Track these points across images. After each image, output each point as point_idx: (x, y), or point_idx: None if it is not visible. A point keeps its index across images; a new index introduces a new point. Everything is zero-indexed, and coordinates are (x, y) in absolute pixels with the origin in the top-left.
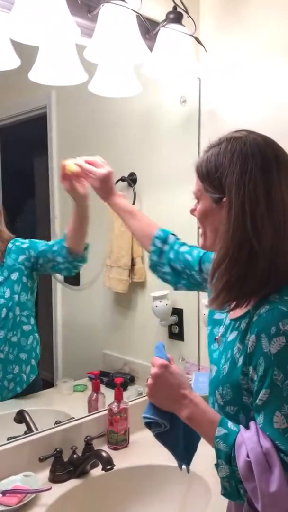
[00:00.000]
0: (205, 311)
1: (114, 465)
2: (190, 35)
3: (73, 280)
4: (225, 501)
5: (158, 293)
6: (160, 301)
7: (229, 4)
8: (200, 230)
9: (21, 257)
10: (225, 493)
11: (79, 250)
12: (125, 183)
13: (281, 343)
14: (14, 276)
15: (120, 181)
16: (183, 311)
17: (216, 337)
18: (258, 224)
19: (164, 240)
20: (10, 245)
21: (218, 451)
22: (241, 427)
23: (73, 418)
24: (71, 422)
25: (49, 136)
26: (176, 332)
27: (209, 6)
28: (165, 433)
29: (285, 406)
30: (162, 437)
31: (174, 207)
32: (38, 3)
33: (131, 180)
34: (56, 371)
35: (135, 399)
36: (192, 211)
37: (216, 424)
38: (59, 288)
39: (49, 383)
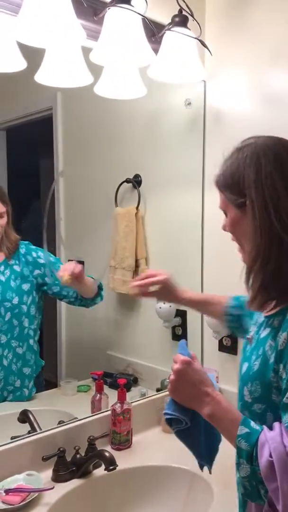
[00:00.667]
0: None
1: (117, 466)
2: (195, 38)
3: None
4: (227, 503)
5: None
6: (164, 303)
7: (234, 7)
8: (237, 246)
9: (36, 272)
10: (245, 493)
11: (91, 296)
12: (130, 184)
13: None
14: (26, 286)
15: (125, 183)
16: (186, 312)
17: (248, 336)
18: (284, 217)
19: (239, 307)
20: (21, 249)
21: (239, 450)
22: (265, 427)
23: (76, 418)
24: (74, 422)
25: (55, 138)
26: (179, 334)
27: (214, 9)
28: (185, 431)
29: None
30: (182, 435)
31: (179, 209)
32: (44, 6)
33: (136, 182)
34: (60, 371)
35: (138, 400)
36: (224, 227)
37: (238, 422)
38: None
39: (53, 384)
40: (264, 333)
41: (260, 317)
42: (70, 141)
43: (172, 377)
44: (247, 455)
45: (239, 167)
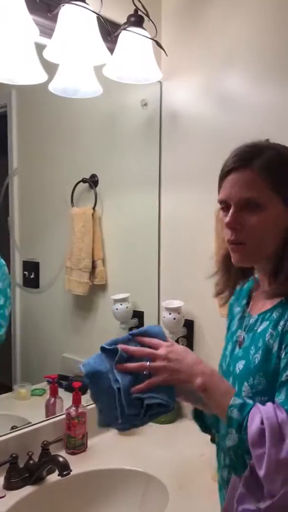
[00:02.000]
0: (165, 314)
1: (71, 470)
2: (150, 38)
3: (32, 282)
4: (181, 503)
5: (119, 296)
6: (121, 304)
7: (189, 10)
8: (250, 243)
9: None
10: (231, 464)
11: None
12: (87, 184)
13: None
14: None
15: (81, 183)
16: (143, 313)
17: (239, 338)
18: None
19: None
20: None
21: (230, 420)
22: (257, 403)
23: (30, 423)
24: (27, 427)
25: (9, 135)
26: None
27: (170, 10)
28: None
29: None
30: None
31: (136, 209)
32: None
33: (93, 181)
34: (14, 375)
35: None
36: (237, 223)
37: (231, 394)
38: (17, 290)
39: (6, 387)
40: (261, 327)
41: (249, 318)
42: (25, 139)
43: (163, 362)
44: (238, 424)
45: (285, 164)
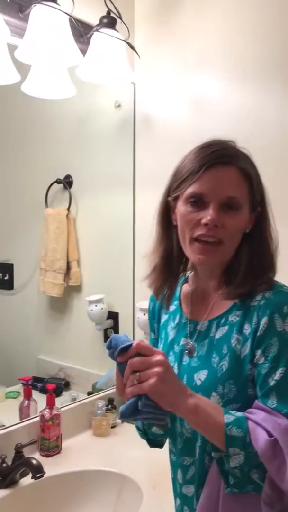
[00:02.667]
0: (139, 315)
1: (44, 473)
2: (123, 40)
3: (6, 284)
4: (155, 502)
5: (94, 297)
6: (96, 305)
7: (162, 13)
8: (227, 243)
9: None
10: (234, 483)
11: None
12: (61, 185)
13: None
14: None
15: (55, 183)
16: (118, 314)
17: (189, 346)
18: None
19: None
20: None
21: (231, 439)
22: (245, 413)
23: (4, 426)
24: (0, 430)
25: None
26: None
27: (143, 12)
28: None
29: None
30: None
31: (111, 210)
32: None
33: (67, 182)
34: None
35: (68, 405)
36: (216, 221)
37: (221, 411)
38: None
39: None
40: (219, 333)
41: (195, 324)
42: None
43: (158, 369)
44: (242, 441)
45: (259, 176)
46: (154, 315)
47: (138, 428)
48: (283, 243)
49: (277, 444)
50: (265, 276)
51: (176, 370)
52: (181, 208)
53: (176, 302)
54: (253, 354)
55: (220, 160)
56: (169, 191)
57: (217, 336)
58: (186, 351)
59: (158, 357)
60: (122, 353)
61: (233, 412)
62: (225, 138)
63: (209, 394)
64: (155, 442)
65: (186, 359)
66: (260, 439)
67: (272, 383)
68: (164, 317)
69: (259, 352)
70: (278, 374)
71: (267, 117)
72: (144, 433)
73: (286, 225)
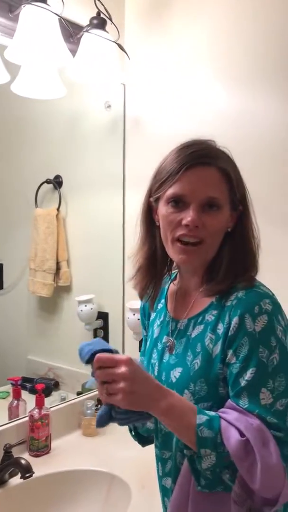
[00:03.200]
0: (129, 315)
1: (33, 473)
2: (113, 41)
3: None
4: (144, 501)
5: (83, 297)
6: (85, 305)
7: (153, 12)
8: (208, 243)
9: None
10: (206, 484)
11: None
12: (51, 185)
13: (264, 321)
14: None
15: (45, 183)
16: (108, 315)
17: (169, 344)
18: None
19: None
20: None
21: (202, 440)
22: (218, 412)
23: None
24: None
25: None
26: (101, 336)
27: (133, 14)
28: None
29: (270, 381)
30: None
31: (101, 210)
32: None
33: (57, 182)
34: None
35: (57, 405)
36: (196, 222)
37: (194, 411)
38: None
39: None
40: (195, 331)
41: (176, 323)
42: None
43: (122, 385)
44: (212, 442)
45: (240, 175)
46: (145, 312)
47: (130, 429)
48: (271, 242)
49: (249, 444)
50: (246, 274)
51: (157, 367)
52: (162, 209)
53: (162, 301)
54: (224, 353)
55: (199, 160)
56: (150, 192)
57: (193, 335)
58: (167, 348)
59: (122, 369)
60: (89, 362)
61: (207, 412)
62: (205, 138)
63: (182, 392)
64: (147, 439)
65: (166, 356)
66: (232, 438)
67: (243, 383)
68: (152, 315)
69: (230, 352)
70: (248, 374)
71: (258, 118)
72: (136, 433)
73: (274, 224)
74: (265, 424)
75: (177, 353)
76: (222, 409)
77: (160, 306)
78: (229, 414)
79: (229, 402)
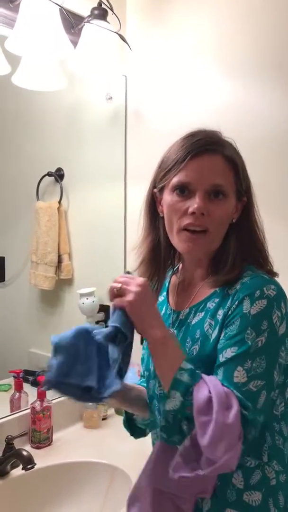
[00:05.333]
0: (83, 301)
1: (35, 464)
2: (114, 32)
3: None
4: None
5: (85, 290)
6: (87, 298)
7: (154, 3)
8: (214, 231)
9: None
10: (165, 426)
11: None
12: (52, 178)
13: (262, 305)
14: None
15: (46, 176)
16: (109, 307)
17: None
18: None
19: None
20: None
21: (177, 382)
22: (203, 374)
23: None
24: None
25: None
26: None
27: (135, 4)
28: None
29: (248, 362)
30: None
31: (102, 203)
32: None
33: (58, 175)
34: None
35: (59, 397)
36: (202, 209)
37: (183, 358)
38: None
39: None
40: (196, 319)
41: (177, 314)
42: None
43: (135, 288)
44: (185, 388)
45: (243, 163)
46: None
47: (124, 422)
48: (271, 236)
49: (211, 402)
50: (256, 267)
51: None
52: (167, 198)
53: (164, 293)
54: (220, 334)
55: (205, 148)
56: (155, 182)
57: (193, 322)
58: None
59: (139, 280)
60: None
61: (193, 366)
62: (210, 128)
63: None
64: (141, 431)
65: None
66: (201, 393)
67: (222, 359)
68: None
69: (223, 330)
70: (229, 352)
71: (260, 110)
72: (130, 424)
73: (275, 218)
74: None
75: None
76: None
77: (161, 298)
78: (211, 378)
79: None
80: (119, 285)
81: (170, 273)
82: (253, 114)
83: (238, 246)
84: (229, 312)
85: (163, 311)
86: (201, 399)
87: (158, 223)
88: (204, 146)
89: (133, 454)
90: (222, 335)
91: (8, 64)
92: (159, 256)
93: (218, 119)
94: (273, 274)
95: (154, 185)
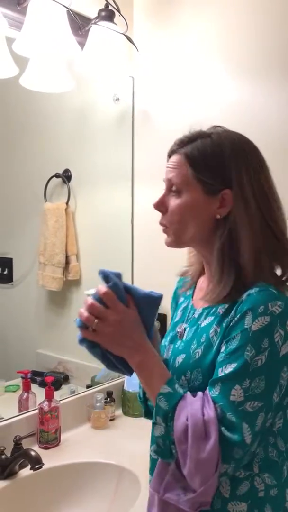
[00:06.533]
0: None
1: (43, 464)
2: (121, 33)
3: (5, 278)
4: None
5: (92, 290)
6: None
7: (162, 4)
8: (171, 226)
9: None
10: (157, 450)
11: None
12: (60, 179)
13: (264, 322)
14: None
15: (54, 177)
16: None
17: (180, 330)
18: (271, 213)
19: None
20: None
21: (158, 408)
22: (188, 392)
23: (2, 418)
24: None
25: None
26: None
27: (142, 5)
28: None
29: (247, 381)
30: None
31: (109, 204)
32: None
33: (66, 176)
34: None
35: (67, 398)
36: (161, 204)
37: (164, 379)
38: None
39: None
40: (205, 321)
41: (193, 311)
42: None
43: (107, 328)
44: (164, 414)
45: (223, 154)
46: (175, 296)
47: (139, 397)
48: None
49: (187, 431)
50: (268, 273)
51: (170, 351)
52: None
53: (192, 287)
54: (221, 344)
55: (172, 149)
56: None
57: (202, 325)
58: (178, 334)
59: (113, 317)
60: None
61: (176, 386)
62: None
63: (180, 377)
64: (149, 412)
65: (178, 342)
66: (179, 419)
67: (221, 374)
68: (181, 299)
69: (224, 342)
70: (229, 368)
71: (268, 110)
72: (144, 402)
73: None
74: (223, 420)
75: (185, 340)
76: (196, 393)
77: (189, 292)
78: (194, 397)
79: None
80: (95, 320)
81: None
82: (261, 114)
83: (223, 246)
84: (231, 323)
85: (185, 304)
86: (179, 427)
87: None
88: (172, 147)
89: (140, 454)
90: (223, 347)
91: (16, 66)
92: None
93: (225, 120)
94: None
95: None
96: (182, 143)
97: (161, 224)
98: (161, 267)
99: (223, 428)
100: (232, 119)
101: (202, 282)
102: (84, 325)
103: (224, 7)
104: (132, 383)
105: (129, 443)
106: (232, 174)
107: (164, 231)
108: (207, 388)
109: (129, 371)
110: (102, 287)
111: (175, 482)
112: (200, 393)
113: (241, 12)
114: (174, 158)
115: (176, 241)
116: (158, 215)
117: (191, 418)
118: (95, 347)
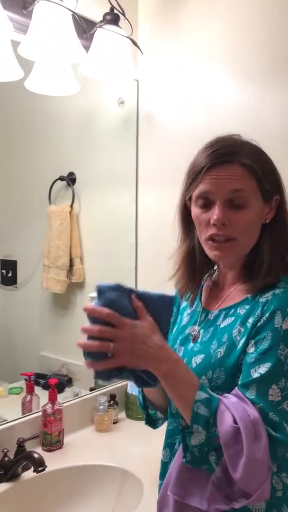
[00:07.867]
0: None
1: (46, 466)
2: (126, 37)
3: (9, 280)
4: (156, 495)
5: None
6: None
7: (166, 8)
8: (242, 239)
9: None
10: (192, 460)
11: None
12: (64, 182)
13: None
14: None
15: (58, 180)
16: None
17: (194, 333)
18: None
19: None
20: None
21: (196, 416)
22: (221, 397)
23: (6, 420)
24: (2, 424)
25: None
26: None
27: (147, 9)
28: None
29: (282, 380)
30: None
31: (113, 207)
32: None
33: (70, 179)
34: None
35: (70, 400)
36: (225, 218)
37: (196, 387)
38: None
39: None
40: (225, 322)
41: (206, 313)
42: (2, 136)
43: (124, 346)
44: (205, 421)
45: (271, 160)
46: (176, 301)
47: (139, 403)
48: None
49: (239, 434)
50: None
51: (180, 353)
52: (194, 209)
53: (199, 293)
54: (247, 344)
55: (221, 159)
56: (185, 192)
57: (222, 325)
58: (191, 337)
59: (124, 333)
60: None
61: (209, 391)
62: (230, 133)
63: (199, 377)
64: (151, 420)
65: (191, 344)
66: (225, 423)
67: (255, 375)
68: (184, 303)
69: (252, 342)
70: (263, 368)
71: (273, 114)
72: (145, 408)
73: None
74: (266, 420)
75: (202, 341)
76: (224, 394)
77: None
78: (229, 399)
79: (235, 390)
80: (110, 344)
81: (207, 275)
82: (266, 118)
83: (272, 248)
84: (259, 323)
85: (192, 308)
86: (227, 431)
87: (193, 229)
88: (220, 157)
89: (143, 457)
90: (252, 348)
91: (21, 69)
92: (194, 262)
93: (230, 123)
94: None
95: (184, 194)
96: (230, 154)
97: (224, 236)
98: (164, 270)
99: (268, 428)
100: (238, 123)
101: (213, 286)
102: (99, 356)
103: (229, 11)
104: (135, 386)
105: (132, 446)
106: (280, 180)
107: (223, 246)
108: (238, 390)
109: (158, 382)
110: (104, 309)
111: (219, 493)
112: (232, 396)
113: (246, 16)
114: (230, 168)
115: (238, 254)
116: (161, 218)
117: (241, 421)
118: (122, 372)
